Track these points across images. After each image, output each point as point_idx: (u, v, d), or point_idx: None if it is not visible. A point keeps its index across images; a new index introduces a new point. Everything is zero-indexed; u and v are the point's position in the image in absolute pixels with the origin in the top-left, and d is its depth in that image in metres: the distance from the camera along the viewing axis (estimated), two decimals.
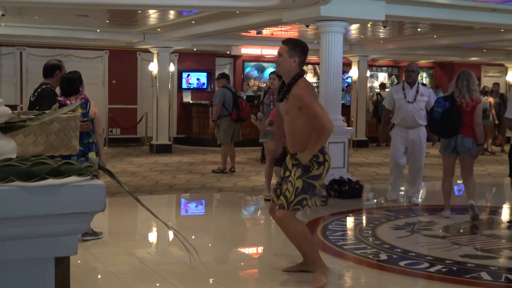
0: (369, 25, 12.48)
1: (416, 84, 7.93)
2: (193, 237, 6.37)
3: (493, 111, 14.74)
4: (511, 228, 6.96)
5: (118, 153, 14.25)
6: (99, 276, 5.10)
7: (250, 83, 18.47)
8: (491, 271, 5.18)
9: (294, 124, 4.62)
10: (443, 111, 6.92)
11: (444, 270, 5.19)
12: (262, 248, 6.44)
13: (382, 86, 18.62)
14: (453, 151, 7.03)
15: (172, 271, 5.10)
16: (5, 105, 1.64)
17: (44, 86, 5.99)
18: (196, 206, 8.94)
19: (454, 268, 5.25)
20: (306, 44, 4.74)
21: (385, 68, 20.99)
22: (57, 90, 6.05)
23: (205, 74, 17.78)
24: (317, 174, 4.57)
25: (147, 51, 15.48)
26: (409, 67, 8.11)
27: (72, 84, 5.84)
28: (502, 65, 20.17)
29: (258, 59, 18.54)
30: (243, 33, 14.19)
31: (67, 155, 2.08)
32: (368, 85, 18.39)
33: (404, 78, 8.29)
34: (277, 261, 5.33)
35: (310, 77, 19.07)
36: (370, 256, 5.62)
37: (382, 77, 20.84)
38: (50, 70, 6.08)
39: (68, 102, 5.64)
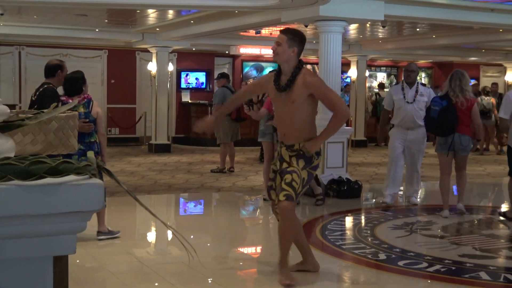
0: (368, 25, 12.47)
1: (416, 84, 7.88)
2: (192, 236, 6.37)
3: (496, 112, 14.74)
4: (503, 221, 7.14)
5: (116, 153, 14.24)
6: (98, 276, 5.10)
7: (249, 82, 18.45)
8: (490, 271, 5.18)
9: (298, 113, 4.56)
10: (440, 110, 6.94)
11: (443, 270, 5.19)
12: (261, 247, 6.44)
13: (381, 86, 18.63)
14: (450, 149, 7.05)
15: (171, 270, 5.10)
16: (4, 104, 1.64)
17: (46, 86, 6.00)
18: (195, 206, 8.94)
19: (453, 268, 5.25)
20: (304, 34, 4.74)
21: (384, 68, 20.99)
22: (59, 90, 6.06)
23: (204, 73, 17.78)
24: (316, 165, 4.65)
25: (146, 50, 15.48)
26: (408, 67, 8.03)
27: (75, 83, 5.86)
28: (501, 65, 20.20)
29: (257, 58, 18.53)
30: (242, 33, 14.19)
31: (66, 154, 2.08)
32: (367, 85, 18.39)
33: (403, 78, 8.25)
34: (276, 261, 5.31)
35: None
36: (369, 256, 5.62)
37: (381, 77, 20.84)
38: (52, 70, 6.10)
39: (71, 101, 5.64)
